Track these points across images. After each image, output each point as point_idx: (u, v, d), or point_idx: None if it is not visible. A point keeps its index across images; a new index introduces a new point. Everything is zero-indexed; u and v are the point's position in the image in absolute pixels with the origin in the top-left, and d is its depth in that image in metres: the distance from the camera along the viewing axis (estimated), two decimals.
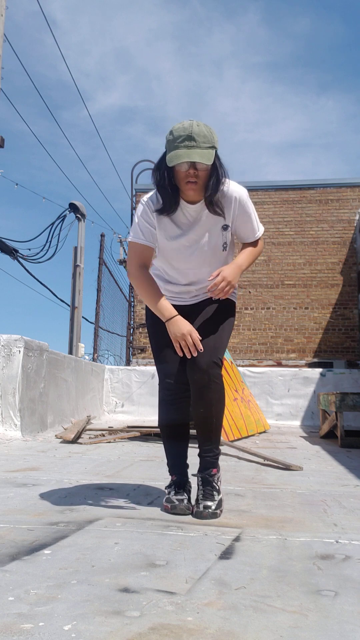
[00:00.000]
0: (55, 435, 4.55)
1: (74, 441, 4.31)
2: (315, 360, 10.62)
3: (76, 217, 11.13)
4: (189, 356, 1.91)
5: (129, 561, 1.38)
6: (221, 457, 3.66)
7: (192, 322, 2.03)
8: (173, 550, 1.48)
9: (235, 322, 10.89)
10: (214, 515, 1.88)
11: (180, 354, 1.93)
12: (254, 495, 2.33)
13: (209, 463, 2.01)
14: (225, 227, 1.98)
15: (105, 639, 0.95)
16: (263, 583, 1.25)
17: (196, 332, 1.91)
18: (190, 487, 2.08)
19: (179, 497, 1.95)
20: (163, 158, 1.85)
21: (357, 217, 10.92)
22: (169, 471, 2.10)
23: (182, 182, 1.83)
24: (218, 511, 1.90)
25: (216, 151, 1.82)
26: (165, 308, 1.93)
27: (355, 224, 10.91)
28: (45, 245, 10.97)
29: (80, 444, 4.26)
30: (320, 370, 7.91)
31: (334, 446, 4.67)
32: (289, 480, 2.79)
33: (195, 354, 1.90)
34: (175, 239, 1.97)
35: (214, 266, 2.03)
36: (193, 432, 2.13)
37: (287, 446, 4.56)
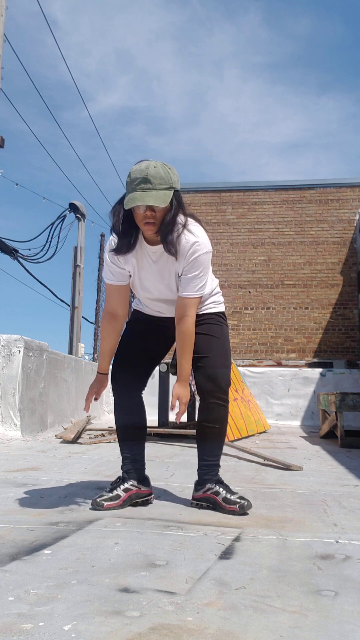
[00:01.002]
0: (55, 435, 4.55)
1: (74, 441, 4.31)
2: (315, 360, 10.61)
3: (76, 217, 11.13)
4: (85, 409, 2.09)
5: (129, 561, 1.38)
6: (221, 457, 3.66)
7: (168, 341, 2.19)
8: (173, 550, 1.48)
9: (235, 322, 10.91)
10: (250, 504, 1.96)
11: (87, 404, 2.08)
12: (254, 495, 2.33)
13: (214, 472, 2.09)
14: (179, 276, 1.99)
15: (105, 639, 0.95)
16: (263, 583, 1.25)
17: (92, 396, 2.10)
18: (132, 484, 2.06)
19: (105, 493, 2.01)
20: (122, 200, 1.88)
21: (357, 217, 10.91)
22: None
23: (140, 223, 1.86)
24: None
25: (176, 191, 1.84)
26: (103, 362, 2.12)
27: (355, 224, 10.90)
28: (45, 245, 10.98)
29: (80, 444, 4.26)
30: (320, 370, 7.91)
31: (334, 446, 4.67)
32: (289, 480, 2.79)
33: (86, 410, 2.07)
34: (138, 277, 2.03)
35: (172, 304, 2.07)
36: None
37: (287, 446, 4.56)
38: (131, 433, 2.12)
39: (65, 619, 1.02)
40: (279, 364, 10.60)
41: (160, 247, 1.93)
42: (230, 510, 1.94)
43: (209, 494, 2.02)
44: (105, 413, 7.82)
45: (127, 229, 1.91)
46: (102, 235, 11.87)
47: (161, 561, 1.38)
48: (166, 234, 1.86)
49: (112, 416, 7.75)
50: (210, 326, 2.09)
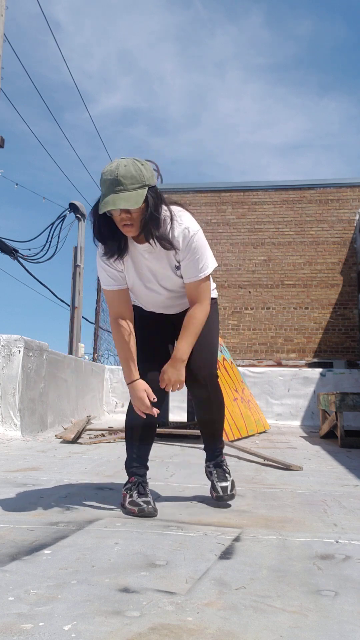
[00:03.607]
0: (55, 435, 4.55)
1: (74, 441, 4.31)
2: (315, 360, 10.61)
3: (76, 217, 11.13)
4: (143, 416, 1.96)
5: (129, 561, 1.38)
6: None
7: (177, 332, 2.10)
8: (173, 550, 1.48)
9: (235, 322, 10.92)
10: (232, 496, 2.09)
11: (141, 415, 1.96)
12: (254, 495, 2.33)
13: (216, 455, 2.20)
14: (177, 267, 1.96)
15: (105, 639, 0.95)
16: (263, 583, 1.25)
17: (151, 394, 1.93)
18: (149, 489, 2.04)
19: (144, 499, 1.92)
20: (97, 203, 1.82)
21: (357, 217, 10.91)
22: (129, 473, 2.04)
23: (119, 226, 1.82)
24: (234, 492, 2.10)
25: (150, 187, 1.77)
26: (131, 370, 1.96)
27: (355, 224, 10.90)
28: (45, 245, 10.98)
29: (80, 444, 4.26)
30: (320, 370, 7.90)
31: (334, 446, 4.67)
32: (289, 480, 2.79)
33: (154, 415, 1.96)
34: (139, 278, 1.98)
35: (178, 298, 2.06)
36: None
37: (287, 446, 4.56)
38: (149, 433, 2.07)
39: (65, 619, 1.02)
40: (279, 364, 10.60)
41: (148, 245, 1.88)
42: (213, 498, 2.11)
43: (207, 473, 2.20)
44: (105, 413, 7.82)
45: (114, 232, 1.85)
46: None
47: (161, 561, 1.38)
48: (152, 231, 1.81)
49: (111, 416, 7.75)
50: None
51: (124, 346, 1.97)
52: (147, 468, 2.07)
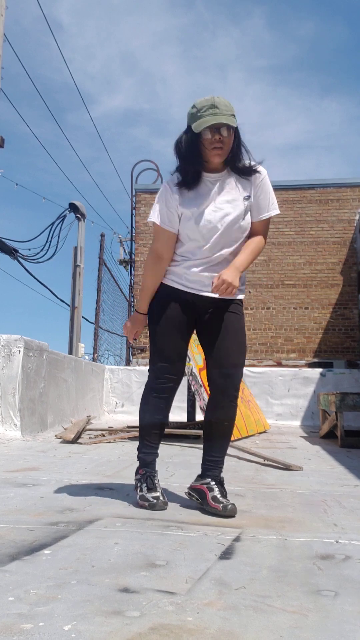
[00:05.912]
0: (55, 435, 4.55)
1: (74, 441, 4.31)
2: (315, 360, 10.61)
3: (76, 217, 11.13)
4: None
5: (129, 561, 1.38)
6: None
7: (206, 329, 2.10)
8: (173, 550, 1.48)
9: None
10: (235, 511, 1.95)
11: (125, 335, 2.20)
12: (254, 495, 2.33)
13: (218, 470, 2.07)
14: (247, 198, 2.02)
15: (105, 639, 0.95)
16: (263, 583, 1.25)
17: (134, 335, 2.19)
18: (158, 479, 2.12)
19: (154, 494, 2.01)
20: (187, 131, 1.93)
21: (357, 217, 10.91)
22: (138, 458, 2.13)
23: (208, 149, 1.90)
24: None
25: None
26: (145, 302, 2.12)
27: (355, 224, 10.90)
28: (45, 245, 10.97)
29: (80, 444, 4.26)
30: (320, 370, 7.90)
31: (334, 446, 4.67)
32: (289, 480, 2.79)
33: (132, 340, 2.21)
34: (200, 210, 1.99)
35: (233, 247, 2.03)
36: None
37: (287, 446, 4.56)
38: (161, 432, 2.14)
39: (65, 619, 1.02)
40: (279, 364, 10.60)
41: (221, 174, 1.99)
42: (213, 509, 1.91)
43: (204, 486, 2.00)
44: (105, 413, 7.82)
45: (195, 156, 1.94)
46: (102, 235, 11.88)
47: (161, 561, 1.38)
48: (237, 159, 1.96)
49: (111, 416, 7.75)
50: (231, 318, 2.07)
51: (150, 279, 2.09)
52: (156, 454, 2.14)
